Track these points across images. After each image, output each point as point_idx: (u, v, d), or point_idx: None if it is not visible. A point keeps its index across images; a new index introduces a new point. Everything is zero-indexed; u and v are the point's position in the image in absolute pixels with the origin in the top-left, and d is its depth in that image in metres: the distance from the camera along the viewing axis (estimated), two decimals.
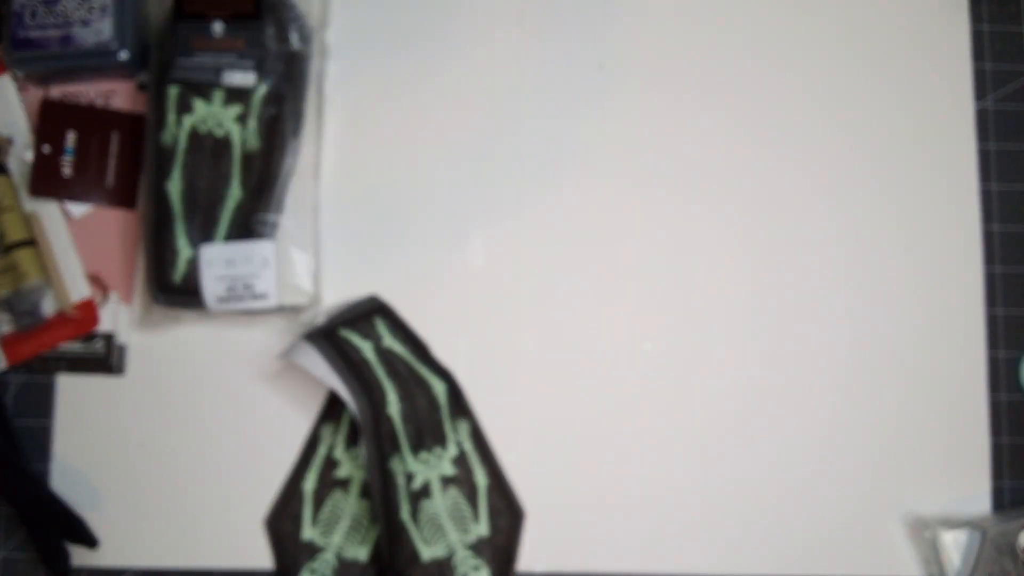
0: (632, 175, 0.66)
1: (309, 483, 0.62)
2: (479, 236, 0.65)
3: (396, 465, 0.59)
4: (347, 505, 0.62)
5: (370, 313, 0.63)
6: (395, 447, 0.59)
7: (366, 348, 0.61)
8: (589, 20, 0.67)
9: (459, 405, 0.62)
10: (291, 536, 0.61)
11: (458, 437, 0.62)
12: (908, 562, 0.63)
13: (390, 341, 0.62)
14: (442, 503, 0.61)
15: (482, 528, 0.61)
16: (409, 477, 0.60)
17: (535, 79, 0.67)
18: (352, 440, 0.62)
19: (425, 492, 0.60)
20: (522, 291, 0.65)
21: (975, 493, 0.64)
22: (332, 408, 0.63)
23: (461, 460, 0.62)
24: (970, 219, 0.67)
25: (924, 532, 0.62)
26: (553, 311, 0.65)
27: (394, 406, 0.60)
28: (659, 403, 0.64)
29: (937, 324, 0.66)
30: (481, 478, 0.62)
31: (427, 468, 0.61)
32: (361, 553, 0.61)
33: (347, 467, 0.62)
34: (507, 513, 0.62)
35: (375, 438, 0.58)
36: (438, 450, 0.61)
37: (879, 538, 0.63)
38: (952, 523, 0.62)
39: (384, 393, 0.60)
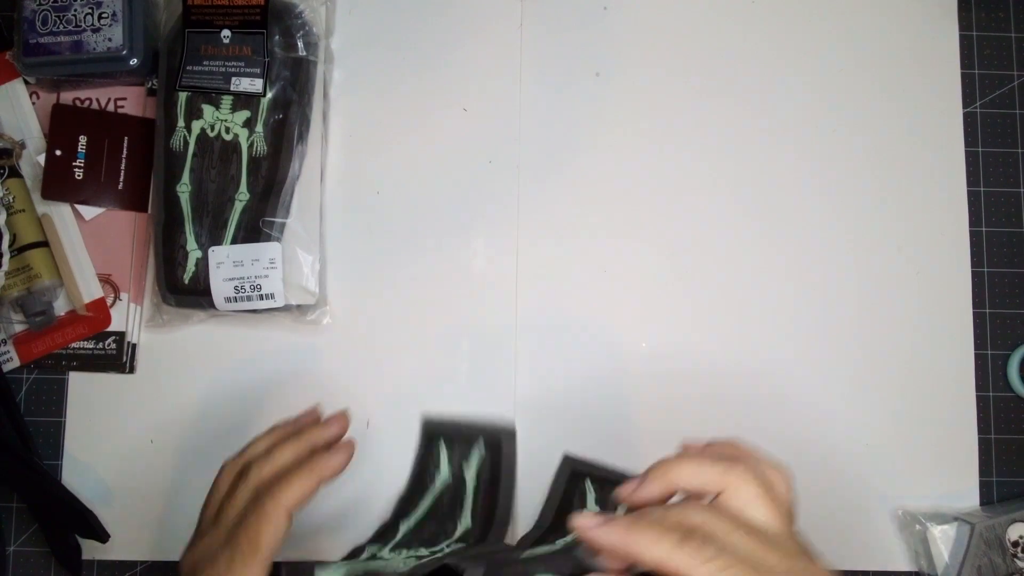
0: (631, 176, 0.66)
1: None
2: (480, 238, 0.66)
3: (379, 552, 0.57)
4: None
5: (479, 436, 0.61)
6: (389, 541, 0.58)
7: (444, 469, 0.60)
8: (586, 27, 0.68)
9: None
10: None
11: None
12: (898, 556, 0.64)
13: (470, 471, 0.60)
14: None
15: None
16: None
17: (535, 85, 0.67)
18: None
19: None
20: (522, 292, 0.65)
21: (963, 488, 0.65)
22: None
23: None
24: (959, 221, 0.67)
25: (914, 526, 0.63)
26: (553, 311, 0.65)
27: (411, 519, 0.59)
28: (657, 403, 0.64)
29: (927, 323, 0.66)
30: None
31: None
32: None
33: None
34: None
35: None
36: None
37: (870, 532, 0.64)
38: (941, 518, 0.63)
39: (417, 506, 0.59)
